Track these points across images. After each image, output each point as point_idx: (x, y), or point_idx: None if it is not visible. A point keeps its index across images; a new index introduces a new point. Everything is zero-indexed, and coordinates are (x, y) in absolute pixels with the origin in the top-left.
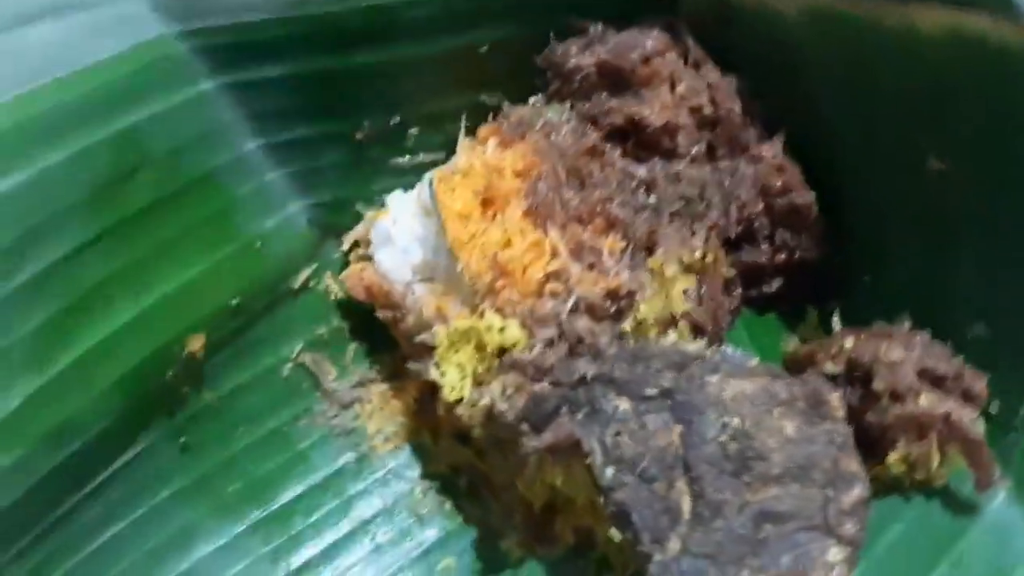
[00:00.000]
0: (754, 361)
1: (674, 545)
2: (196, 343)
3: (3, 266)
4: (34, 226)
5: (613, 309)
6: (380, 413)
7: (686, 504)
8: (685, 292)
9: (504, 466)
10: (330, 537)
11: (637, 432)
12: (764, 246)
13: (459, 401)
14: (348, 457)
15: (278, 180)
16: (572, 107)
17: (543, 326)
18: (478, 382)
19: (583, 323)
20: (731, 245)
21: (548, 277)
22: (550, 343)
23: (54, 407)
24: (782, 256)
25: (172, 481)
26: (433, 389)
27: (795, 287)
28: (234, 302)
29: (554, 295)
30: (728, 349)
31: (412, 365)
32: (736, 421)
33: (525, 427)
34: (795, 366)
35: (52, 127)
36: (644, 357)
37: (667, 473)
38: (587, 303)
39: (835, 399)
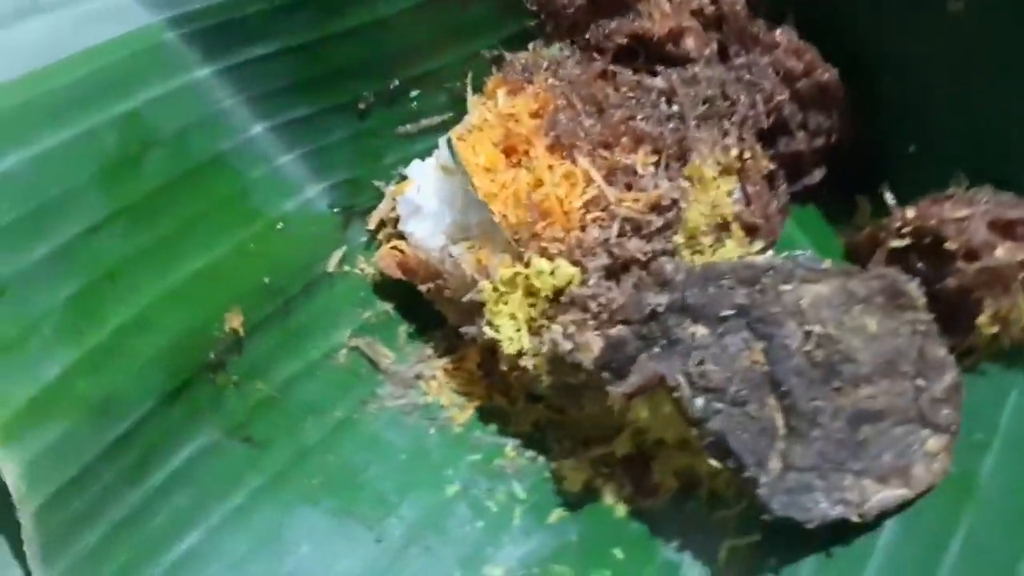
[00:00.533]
0: (827, 263)
1: (775, 464)
2: (235, 319)
3: (21, 239)
4: (47, 201)
5: (660, 223)
6: (448, 386)
7: (780, 420)
8: (730, 193)
9: (584, 416)
10: (432, 508)
11: (720, 356)
12: (799, 134)
13: (520, 353)
14: (427, 431)
15: (290, 163)
16: (573, 42)
17: (593, 256)
18: (535, 331)
19: (633, 244)
20: (765, 139)
21: (587, 206)
22: (604, 273)
23: (93, 379)
24: (819, 141)
25: (245, 481)
26: (493, 350)
27: (839, 174)
28: (266, 280)
29: (597, 223)
30: (799, 254)
31: (466, 330)
32: (818, 327)
33: (607, 375)
34: (859, 254)
35: (53, 108)
36: (713, 277)
37: (756, 393)
38: (632, 223)
39: (913, 288)
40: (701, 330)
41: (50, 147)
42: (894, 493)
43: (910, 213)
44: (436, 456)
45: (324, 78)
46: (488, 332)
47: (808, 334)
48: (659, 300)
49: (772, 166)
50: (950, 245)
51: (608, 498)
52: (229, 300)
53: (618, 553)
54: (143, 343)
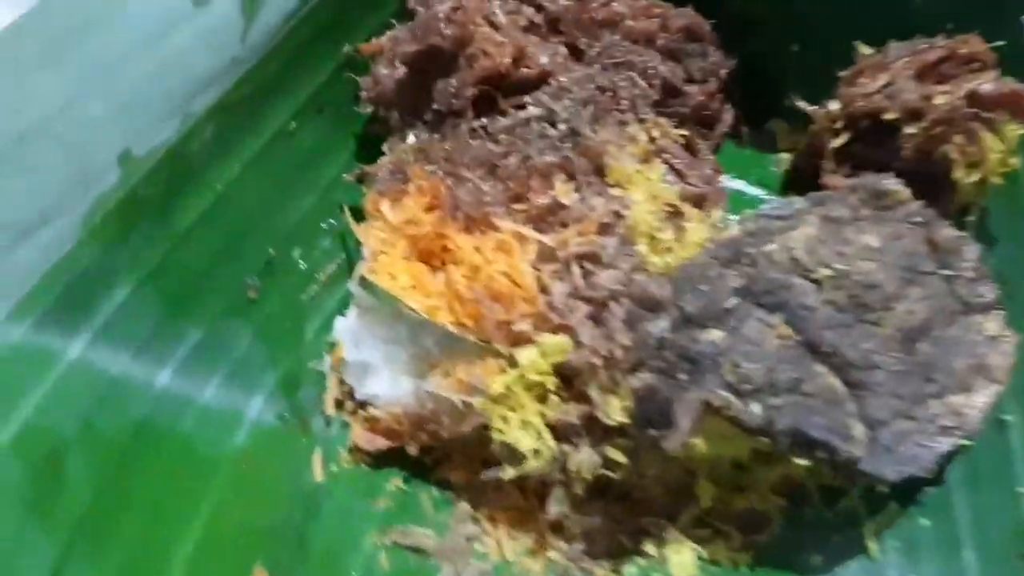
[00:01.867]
0: (796, 202)
1: (860, 430)
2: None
3: None
4: None
5: (614, 242)
6: (506, 535)
7: (838, 383)
8: (661, 178)
9: (651, 483)
10: None
11: (749, 351)
12: (690, 88)
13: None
14: None
15: (216, 394)
16: (424, 122)
17: (570, 312)
18: (560, 429)
19: (604, 277)
20: (663, 109)
21: (535, 266)
22: (589, 320)
23: None
24: (712, 83)
25: None
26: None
27: (745, 109)
28: (268, 524)
29: (555, 277)
30: (763, 209)
31: (486, 475)
32: (823, 270)
33: (652, 431)
34: (805, 174)
35: None
36: (698, 275)
37: (802, 367)
38: (588, 257)
39: (889, 182)
40: (716, 334)
41: None
42: (986, 393)
43: (834, 106)
44: None
45: (196, 287)
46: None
47: (818, 282)
48: (660, 325)
49: (684, 131)
50: (889, 116)
51: (723, 557)
52: (243, 565)
53: None
54: None
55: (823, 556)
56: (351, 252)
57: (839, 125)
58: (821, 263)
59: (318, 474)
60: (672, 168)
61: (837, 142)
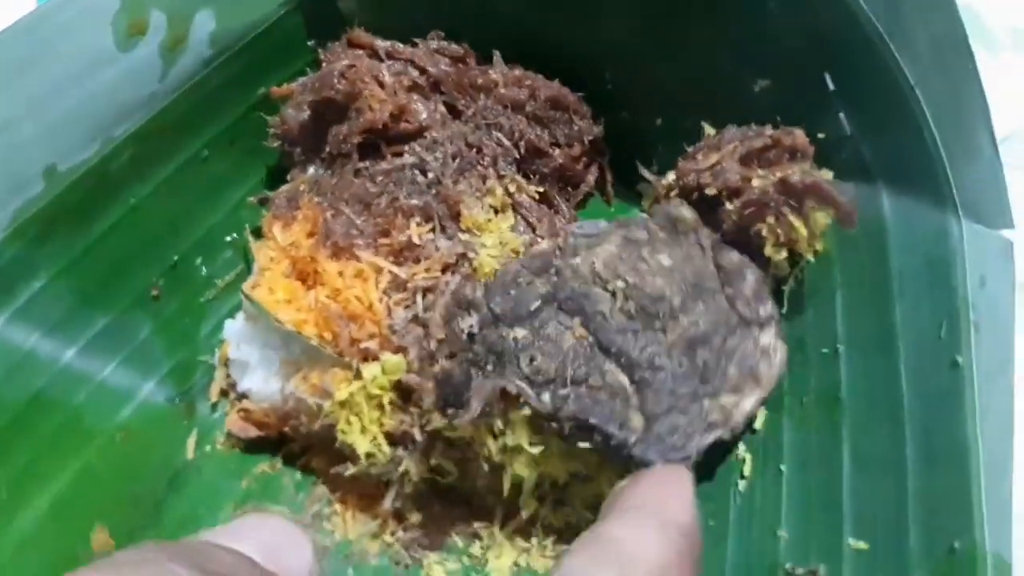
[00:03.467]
0: (601, 224)
1: (637, 421)
2: (100, 538)
3: None
4: None
5: (454, 281)
6: (351, 518)
7: (624, 380)
8: (512, 228)
9: (482, 490)
10: None
11: (546, 347)
12: (555, 151)
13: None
14: (346, 571)
15: (113, 374)
16: (322, 159)
17: (406, 333)
18: (400, 435)
19: (439, 308)
20: (527, 168)
21: (386, 293)
22: (419, 344)
23: None
24: (575, 148)
25: None
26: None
27: (618, 169)
28: (128, 491)
29: (401, 305)
30: (574, 226)
31: (336, 470)
32: (619, 283)
33: (451, 411)
34: None
35: None
36: (510, 280)
37: (592, 364)
38: (429, 291)
39: (683, 211)
40: (519, 332)
41: None
42: (753, 397)
43: (670, 177)
44: None
45: (106, 283)
46: (350, 453)
47: (613, 293)
48: (470, 322)
49: (540, 188)
50: (711, 192)
51: (538, 565)
52: (87, 524)
53: None
54: None
55: None
56: (248, 265)
57: (673, 193)
58: (617, 276)
59: (190, 452)
60: (525, 220)
61: None
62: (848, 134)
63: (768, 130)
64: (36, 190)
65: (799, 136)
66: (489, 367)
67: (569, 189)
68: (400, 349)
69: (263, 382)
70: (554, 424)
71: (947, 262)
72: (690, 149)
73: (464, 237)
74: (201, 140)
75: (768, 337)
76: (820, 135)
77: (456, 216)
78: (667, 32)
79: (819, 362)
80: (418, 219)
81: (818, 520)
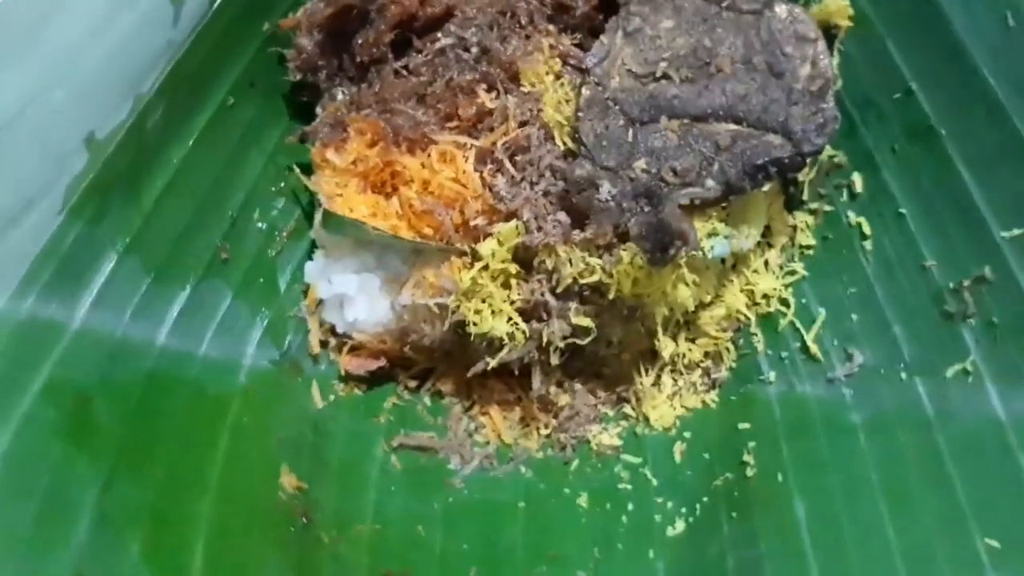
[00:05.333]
0: (602, 37)
1: (774, 138)
2: (288, 479)
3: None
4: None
5: (536, 134)
6: (500, 423)
7: (730, 125)
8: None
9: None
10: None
11: (666, 153)
12: (577, 2)
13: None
14: (522, 472)
15: (210, 347)
16: (350, 78)
17: (513, 197)
18: (531, 309)
19: (539, 154)
20: (558, 27)
21: (476, 167)
22: (531, 202)
23: None
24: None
25: None
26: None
27: None
28: (281, 441)
29: (496, 174)
30: (588, 60)
31: (473, 371)
32: (661, 64)
33: (672, 252)
34: None
35: None
36: (594, 139)
37: (704, 133)
38: (517, 151)
39: None
40: (639, 164)
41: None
42: (816, 47)
43: None
44: (547, 485)
45: (173, 254)
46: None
47: (660, 76)
48: (606, 189)
49: (575, 38)
50: None
51: (694, 401)
52: (269, 471)
53: None
54: None
55: (775, 371)
56: (304, 207)
57: None
58: (648, 63)
59: (318, 402)
60: (574, 68)
61: None
62: None
63: None
64: (81, 163)
65: None
66: (648, 209)
67: (592, 39)
68: (510, 215)
69: (368, 307)
70: (735, 194)
71: None
72: None
73: (526, 90)
74: (224, 86)
75: (780, 7)
76: None
77: (514, 77)
78: None
79: (895, 108)
80: (482, 88)
81: (959, 233)
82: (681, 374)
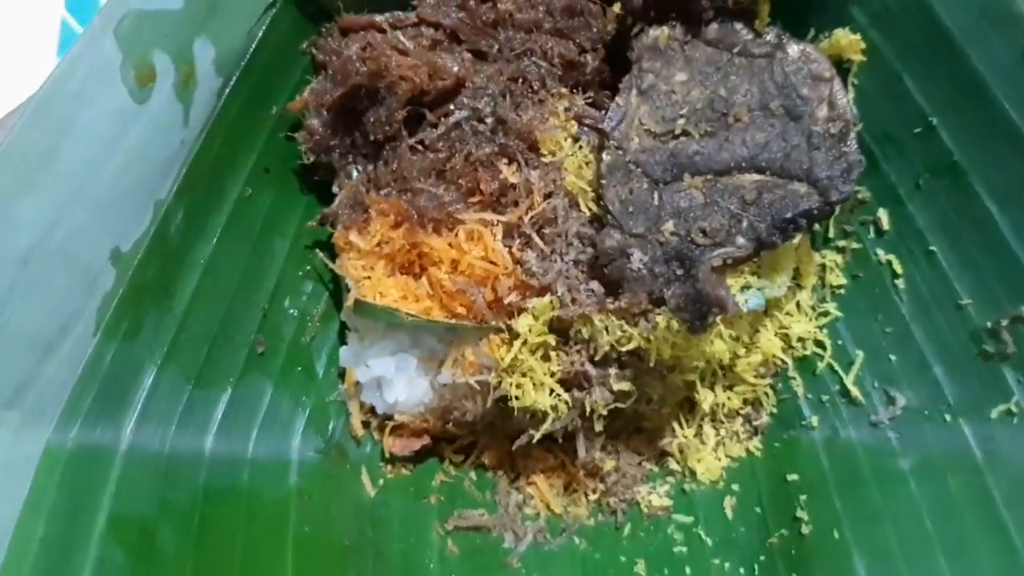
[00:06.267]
0: (618, 98)
1: (799, 186)
2: None
3: None
4: None
5: (562, 205)
6: (546, 493)
7: (754, 175)
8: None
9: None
10: None
11: (693, 213)
12: (585, 58)
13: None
14: (576, 544)
15: (257, 447)
16: (364, 156)
17: (546, 272)
18: (572, 378)
19: (566, 226)
20: (569, 86)
21: (504, 243)
22: (563, 276)
23: None
24: (600, 50)
25: None
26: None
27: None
28: (343, 542)
29: (524, 248)
30: (606, 122)
31: (520, 443)
32: (679, 121)
33: (711, 319)
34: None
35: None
36: (620, 206)
37: (729, 188)
38: (544, 224)
39: (653, 31)
40: (667, 226)
41: None
42: (832, 86)
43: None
44: (602, 555)
45: (211, 356)
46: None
47: (679, 134)
48: (637, 257)
49: (588, 95)
50: None
51: (738, 450)
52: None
53: None
54: None
55: (817, 416)
56: (329, 288)
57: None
58: (666, 120)
59: (369, 490)
60: (588, 127)
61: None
62: None
63: None
64: (109, 280)
65: None
66: (681, 271)
67: (605, 92)
68: (543, 290)
69: (408, 388)
70: (767, 249)
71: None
72: None
73: (547, 160)
74: (240, 176)
75: (792, 48)
76: None
77: (533, 146)
78: None
79: (916, 142)
80: (503, 161)
81: (992, 271)
82: (722, 423)
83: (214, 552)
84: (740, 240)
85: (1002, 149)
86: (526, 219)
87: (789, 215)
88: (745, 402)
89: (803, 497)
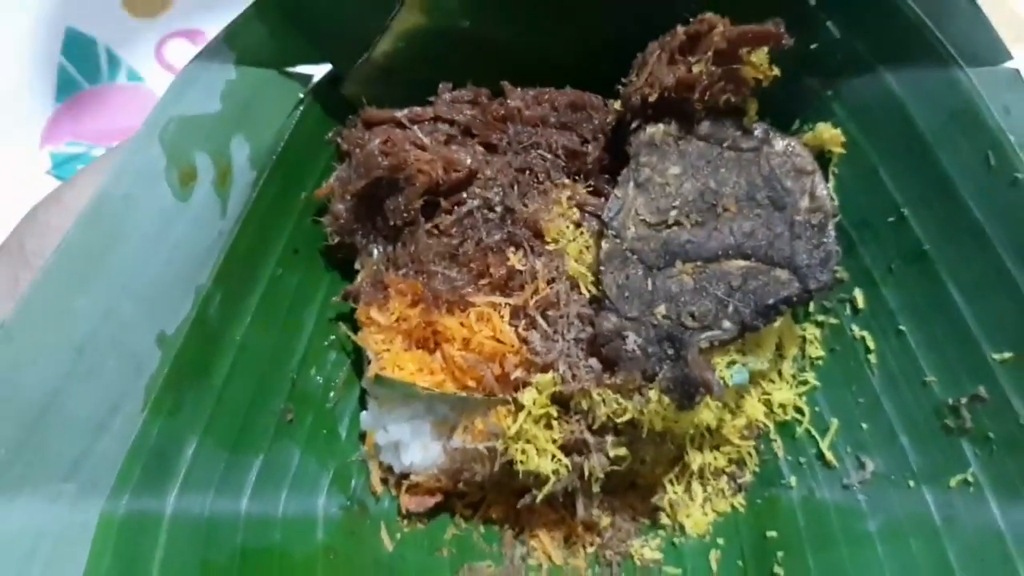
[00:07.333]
0: (616, 190)
1: (782, 273)
2: None
3: None
4: None
5: (563, 290)
6: (549, 544)
7: (741, 261)
8: (581, 224)
9: (647, 468)
10: None
11: (683, 298)
12: (587, 148)
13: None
14: None
15: (288, 505)
16: (384, 237)
17: (548, 351)
18: (572, 445)
19: (567, 308)
20: (572, 172)
21: (511, 324)
22: (564, 355)
23: None
24: (601, 140)
25: None
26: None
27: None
28: None
29: (528, 329)
30: (605, 213)
31: (523, 502)
32: (672, 213)
33: (698, 399)
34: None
35: None
36: (616, 290)
37: (718, 275)
38: (547, 307)
39: (650, 127)
40: (660, 310)
41: None
42: (813, 179)
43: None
44: None
45: (245, 426)
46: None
47: (672, 224)
48: (632, 340)
49: (589, 184)
50: (653, 98)
51: (724, 506)
52: None
53: None
54: None
55: (795, 476)
56: (353, 359)
57: (628, 117)
58: (660, 211)
59: (388, 545)
60: (592, 215)
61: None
62: (838, 37)
63: (679, 28)
64: (155, 362)
65: (709, 19)
66: (672, 351)
67: (607, 177)
68: (547, 366)
69: (422, 451)
70: (751, 332)
71: (968, 106)
72: (624, 79)
73: (551, 247)
74: (272, 259)
75: (778, 143)
76: (812, 45)
77: (538, 234)
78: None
79: (890, 230)
80: (511, 249)
81: (954, 353)
82: (709, 481)
83: None
84: (726, 324)
85: (966, 243)
86: (531, 302)
87: (771, 301)
88: (730, 461)
89: (780, 553)
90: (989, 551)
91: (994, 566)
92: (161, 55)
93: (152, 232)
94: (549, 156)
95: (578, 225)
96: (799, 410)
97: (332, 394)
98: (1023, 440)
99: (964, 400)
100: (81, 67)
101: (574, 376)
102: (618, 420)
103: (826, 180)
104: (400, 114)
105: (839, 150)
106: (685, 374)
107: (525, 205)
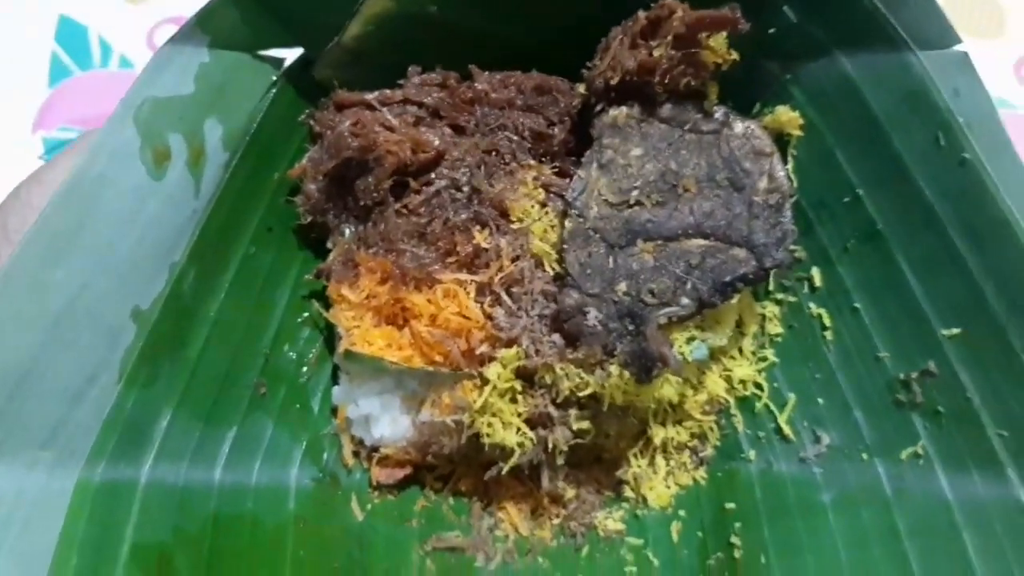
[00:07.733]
0: (580, 171)
1: (740, 252)
2: None
3: None
4: None
5: (528, 267)
6: (517, 516)
7: (701, 240)
8: (546, 204)
9: (612, 442)
10: None
11: (644, 275)
12: (553, 130)
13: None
14: (539, 563)
15: (260, 475)
16: (356, 216)
17: (512, 327)
18: (538, 418)
19: (531, 285)
20: (538, 154)
21: (477, 301)
22: (527, 330)
23: None
24: (567, 123)
25: None
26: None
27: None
28: (333, 566)
29: (494, 306)
30: (568, 193)
31: (490, 474)
32: (633, 193)
33: (655, 373)
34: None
35: None
36: (579, 268)
37: (679, 252)
38: (512, 284)
39: (612, 111)
40: (620, 287)
41: None
42: (772, 161)
43: (581, 89)
44: (568, 570)
45: (219, 399)
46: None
47: (634, 203)
48: (592, 315)
49: (555, 165)
50: (615, 81)
51: (685, 479)
52: None
53: None
54: None
55: (755, 450)
56: (325, 335)
57: (593, 100)
58: (623, 191)
59: (358, 515)
60: (557, 195)
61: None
62: (795, 21)
63: (641, 13)
64: (130, 335)
65: (669, 4)
66: (632, 327)
67: (573, 160)
68: (511, 342)
69: (391, 425)
70: (709, 308)
71: (920, 88)
72: (589, 64)
73: (516, 226)
74: (245, 237)
75: (738, 125)
76: (771, 30)
77: (504, 213)
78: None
79: (845, 210)
80: (477, 228)
81: (906, 329)
82: (672, 455)
83: (223, 575)
84: (684, 300)
85: (918, 222)
86: (496, 280)
87: (728, 279)
88: (692, 436)
89: (737, 524)
90: (937, 521)
91: (941, 535)
92: (152, 42)
93: (126, 210)
94: (515, 138)
95: (543, 205)
96: (758, 386)
97: (305, 369)
98: (970, 414)
99: (915, 375)
100: (74, 54)
101: (537, 351)
102: (580, 394)
103: (785, 162)
104: (370, 96)
105: (797, 132)
106: (643, 348)
107: (492, 185)
